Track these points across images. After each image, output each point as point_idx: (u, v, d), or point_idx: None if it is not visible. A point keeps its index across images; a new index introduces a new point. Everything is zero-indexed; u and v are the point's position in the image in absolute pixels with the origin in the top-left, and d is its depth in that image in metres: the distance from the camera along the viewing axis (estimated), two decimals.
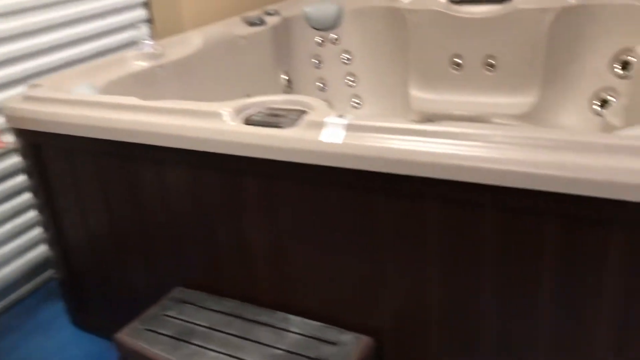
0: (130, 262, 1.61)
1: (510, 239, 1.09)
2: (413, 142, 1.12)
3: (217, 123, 1.31)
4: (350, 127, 1.19)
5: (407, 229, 1.19)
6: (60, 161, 1.59)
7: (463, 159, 1.07)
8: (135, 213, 1.52)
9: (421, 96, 2.56)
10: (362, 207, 1.22)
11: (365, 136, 1.17)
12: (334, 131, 1.19)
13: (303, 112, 1.29)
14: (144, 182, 1.47)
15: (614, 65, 2.20)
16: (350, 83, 2.71)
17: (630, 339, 1.06)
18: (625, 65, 2.13)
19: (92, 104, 1.49)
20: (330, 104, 2.67)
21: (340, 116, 1.22)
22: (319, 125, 1.22)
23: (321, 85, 2.69)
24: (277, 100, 1.38)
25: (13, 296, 2.01)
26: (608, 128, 1.74)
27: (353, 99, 2.72)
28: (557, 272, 1.08)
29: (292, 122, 1.26)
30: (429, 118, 2.47)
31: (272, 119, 1.29)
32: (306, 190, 1.27)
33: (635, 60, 1.63)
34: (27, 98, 1.60)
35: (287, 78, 2.54)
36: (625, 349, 1.07)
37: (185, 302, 1.46)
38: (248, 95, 2.33)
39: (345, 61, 2.69)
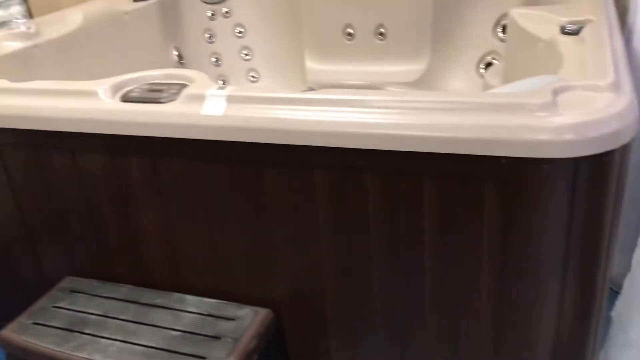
0: (15, 253, 1.52)
1: (392, 201, 1.12)
2: (294, 111, 1.12)
3: (93, 102, 1.25)
4: (231, 99, 1.17)
5: (296, 199, 1.19)
6: None
7: (341, 125, 1.07)
8: (14, 203, 1.44)
9: (316, 67, 2.56)
10: (249, 180, 1.21)
11: (246, 107, 1.15)
12: (214, 103, 1.17)
13: (184, 85, 1.25)
14: (20, 168, 1.39)
15: (497, 29, 2.29)
16: (246, 57, 2.67)
17: (508, 286, 1.12)
18: (505, 29, 2.23)
19: None
20: (226, 78, 2.62)
21: (222, 87, 1.19)
22: (200, 98, 1.19)
23: (215, 60, 2.63)
24: (157, 75, 1.33)
25: None
26: (488, 89, 1.81)
27: (250, 73, 2.68)
28: (439, 231, 1.12)
29: (172, 97, 1.22)
30: (324, 88, 2.48)
31: (152, 94, 1.25)
32: (192, 166, 1.24)
33: (509, 23, 1.71)
34: None
35: (178, 54, 2.46)
36: (505, 298, 1.13)
37: (76, 291, 1.40)
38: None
39: (239, 35, 2.65)
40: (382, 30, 2.44)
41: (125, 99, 1.25)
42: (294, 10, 2.54)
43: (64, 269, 1.48)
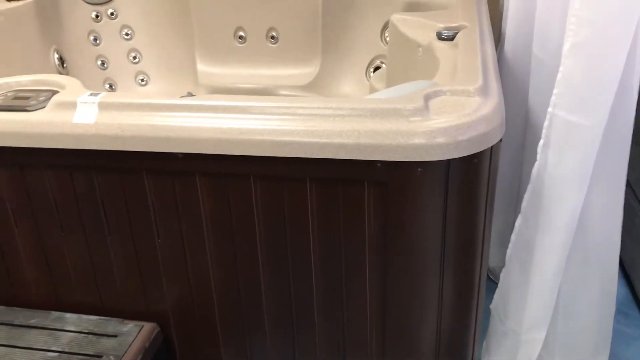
0: None
1: (276, 207, 1.11)
2: (172, 118, 1.08)
3: None
4: (103, 106, 1.11)
5: (179, 208, 1.16)
6: None
7: (221, 132, 1.05)
8: None
9: (208, 70, 2.51)
10: (128, 190, 1.16)
11: (120, 114, 1.10)
12: (85, 111, 1.11)
13: (54, 92, 1.18)
14: None
15: (384, 34, 2.35)
16: (134, 60, 2.57)
17: (390, 286, 1.14)
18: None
19: None
20: (114, 82, 2.52)
21: (93, 94, 1.13)
22: (71, 105, 1.12)
23: (101, 63, 2.52)
24: (23, 81, 1.25)
25: None
26: (374, 92, 1.86)
27: (139, 77, 2.58)
28: (324, 235, 1.12)
29: (40, 104, 1.14)
30: (217, 92, 2.44)
31: (18, 102, 1.17)
32: (65, 177, 1.17)
33: (389, 29, 1.76)
34: None
35: (59, 57, 2.33)
36: (387, 297, 1.15)
37: None
38: None
39: (126, 37, 2.55)
40: (274, 33, 2.44)
41: None
42: (184, 12, 2.48)
43: None
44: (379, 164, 1.02)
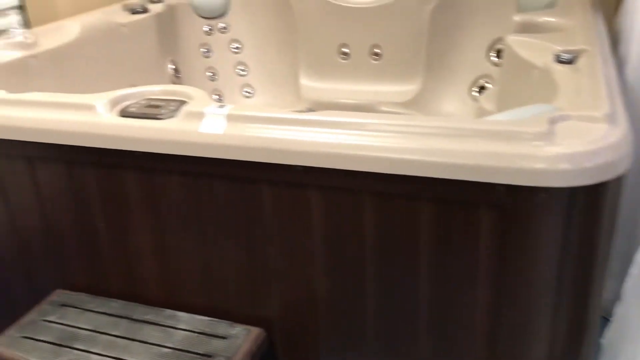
0: (3, 267, 1.51)
1: (389, 224, 1.13)
2: (293, 132, 1.13)
3: (91, 115, 1.25)
4: (230, 117, 1.17)
5: (292, 218, 1.19)
6: None
7: (340, 147, 1.08)
8: (6, 214, 1.43)
9: (311, 85, 2.57)
10: (245, 198, 1.21)
11: (246, 126, 1.16)
12: (214, 121, 1.17)
13: (182, 102, 1.26)
14: (14, 180, 1.38)
15: (490, 53, 2.32)
16: (241, 72, 2.68)
17: (502, 311, 1.13)
18: (499, 53, 2.26)
19: None
20: (221, 93, 2.63)
21: (221, 106, 1.20)
22: (199, 115, 1.19)
23: (211, 74, 2.64)
24: (155, 90, 1.33)
25: None
26: (482, 113, 1.84)
27: (245, 89, 2.69)
28: (434, 254, 1.12)
29: (170, 113, 1.22)
30: (319, 107, 2.49)
31: (150, 110, 1.25)
32: (188, 183, 1.24)
33: (504, 49, 1.73)
34: None
35: (174, 68, 2.47)
36: (498, 322, 1.14)
37: (66, 305, 1.39)
38: (134, 86, 2.24)
39: (235, 50, 2.66)
40: (377, 50, 2.47)
41: (124, 113, 1.25)
42: (291, 27, 2.56)
43: (54, 282, 1.46)
44: (498, 187, 1.01)
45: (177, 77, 2.48)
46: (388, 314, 1.22)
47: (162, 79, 2.40)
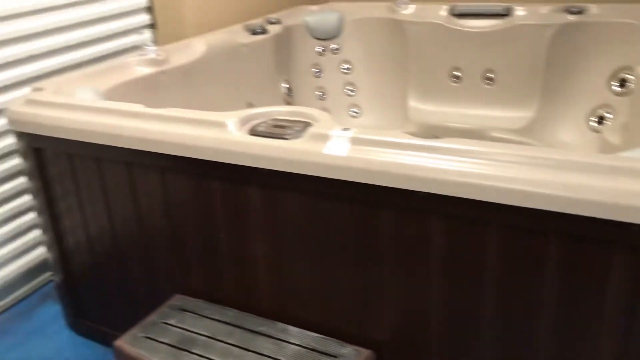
0: (129, 267, 1.61)
1: (513, 257, 1.10)
2: (418, 158, 1.13)
3: (222, 133, 1.32)
4: (354, 140, 1.20)
5: (410, 243, 1.20)
6: (61, 165, 1.59)
7: (468, 176, 1.08)
8: (136, 219, 1.53)
9: (419, 107, 2.57)
10: (364, 220, 1.23)
11: (369, 150, 1.18)
12: (338, 144, 1.20)
13: (308, 124, 1.30)
14: (146, 188, 1.48)
15: (612, 82, 2.22)
16: (350, 93, 2.72)
17: (631, 355, 1.07)
18: (622, 82, 2.16)
19: (96, 110, 1.49)
20: (329, 112, 2.68)
21: (345, 129, 1.23)
22: (324, 137, 1.23)
23: (320, 94, 2.70)
24: (282, 111, 1.38)
25: (10, 298, 2.00)
26: (605, 145, 1.76)
27: (352, 109, 2.73)
28: (558, 292, 1.09)
29: (296, 134, 1.27)
30: (428, 129, 2.48)
31: (277, 130, 1.30)
32: (309, 201, 1.27)
33: (634, 79, 1.65)
34: (30, 101, 1.60)
35: (287, 86, 2.55)
36: None
37: (184, 310, 1.46)
38: (249, 104, 2.34)
39: (345, 71, 2.71)
40: (491, 75, 2.43)
41: (253, 132, 1.31)
42: (402, 50, 2.58)
43: (174, 287, 1.55)
44: (634, 227, 0.97)
45: (289, 95, 2.57)
46: (502, 348, 1.19)
47: (275, 97, 2.48)
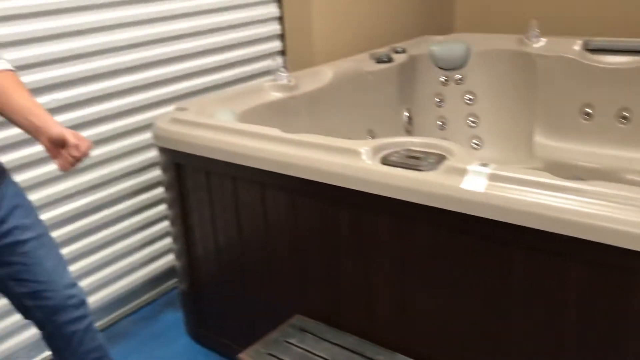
0: (253, 283, 1.67)
1: None
2: (563, 200, 1.10)
3: (355, 160, 1.35)
4: (493, 177, 1.18)
5: (544, 287, 1.15)
6: (198, 180, 1.69)
7: (617, 222, 1.03)
8: (263, 236, 1.58)
9: (546, 143, 2.48)
10: (494, 257, 1.20)
11: (508, 187, 1.16)
12: (476, 179, 1.19)
13: (443, 156, 1.30)
14: (275, 209, 1.53)
15: None
16: (471, 124, 2.68)
17: None
18: None
19: (235, 131, 1.57)
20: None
21: (483, 164, 1.21)
22: (461, 171, 1.22)
23: (441, 124, 2.68)
24: (416, 142, 1.39)
25: (135, 303, 2.13)
26: None
27: (473, 140, 2.68)
28: None
29: (431, 166, 1.26)
30: (555, 167, 2.39)
31: (411, 160, 1.31)
32: (439, 235, 1.26)
33: None
34: (174, 120, 1.72)
35: (408, 115, 2.56)
36: None
37: (305, 330, 1.49)
38: (371, 131, 2.37)
39: (468, 101, 2.67)
40: (626, 113, 2.31)
41: (385, 161, 1.32)
42: (530, 83, 2.51)
43: (295, 307, 1.58)
44: None
45: (409, 124, 2.57)
46: None
47: (397, 126, 2.50)
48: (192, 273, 1.84)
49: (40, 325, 1.34)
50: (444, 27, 3.01)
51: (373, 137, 2.37)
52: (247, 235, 1.63)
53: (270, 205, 1.54)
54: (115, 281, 2.04)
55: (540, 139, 2.50)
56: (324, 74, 2.21)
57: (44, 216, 1.70)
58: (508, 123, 2.61)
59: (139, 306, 2.15)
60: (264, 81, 2.07)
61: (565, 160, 2.40)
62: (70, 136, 1.18)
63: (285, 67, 2.28)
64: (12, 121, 1.20)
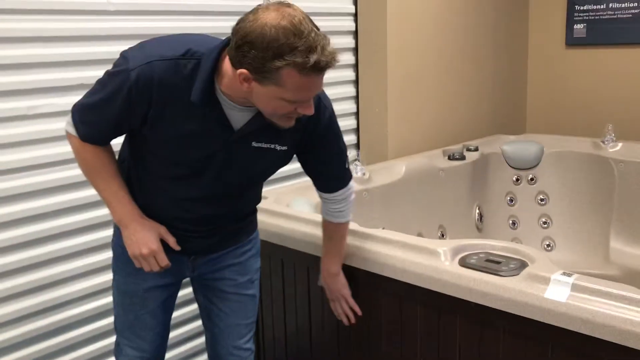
0: None
1: None
2: None
3: (434, 260, 1.36)
4: (576, 287, 1.16)
5: None
6: (272, 266, 1.72)
7: None
8: (336, 327, 1.58)
9: (623, 249, 2.41)
10: None
11: (589, 299, 1.14)
12: (558, 289, 1.17)
13: (524, 262, 1.29)
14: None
15: None
16: (543, 225, 2.64)
17: None
18: None
19: (311, 222, 1.62)
20: (520, 243, 2.61)
21: (567, 273, 1.20)
22: (542, 279, 1.21)
23: (512, 222, 2.66)
24: (496, 245, 1.39)
25: None
26: None
27: (545, 241, 2.64)
28: None
29: (512, 272, 1.26)
30: (630, 274, 2.30)
31: (491, 264, 1.30)
32: (519, 343, 1.24)
33: None
34: (262, 210, 1.77)
35: (479, 212, 2.55)
36: None
37: None
38: (441, 226, 2.37)
39: (540, 202, 2.65)
40: None
41: (464, 264, 1.33)
42: (605, 186, 2.48)
43: None
44: None
45: (480, 221, 2.56)
46: None
47: (467, 223, 2.49)
48: (259, 357, 1.85)
49: None
50: (516, 127, 3.04)
51: (444, 233, 2.37)
52: (317, 323, 1.64)
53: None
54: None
55: (617, 245, 2.43)
56: (397, 169, 2.26)
57: None
58: (582, 226, 2.56)
59: None
60: None
61: None
62: None
63: (359, 159, 2.35)
64: None
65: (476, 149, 2.57)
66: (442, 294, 1.32)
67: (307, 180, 2.10)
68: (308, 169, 1.37)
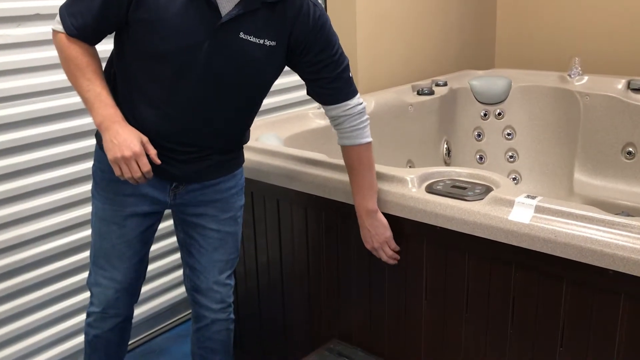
0: (291, 304, 1.69)
1: None
2: (607, 234, 1.10)
3: (401, 188, 1.37)
4: (540, 209, 1.19)
5: (593, 323, 1.15)
6: (246, 198, 1.72)
7: None
8: (304, 258, 1.60)
9: (587, 181, 2.47)
10: (543, 293, 1.20)
11: (555, 220, 1.16)
12: (522, 211, 1.20)
13: (489, 187, 1.31)
14: (317, 231, 1.55)
15: None
16: (510, 159, 2.68)
17: None
18: None
19: (281, 155, 1.61)
20: None
21: (530, 196, 1.22)
22: (507, 202, 1.23)
23: (479, 157, 2.69)
24: (462, 172, 1.41)
25: (170, 321, 2.16)
26: None
27: (511, 175, 2.68)
28: None
29: (477, 196, 1.28)
30: (595, 205, 2.37)
31: (456, 190, 1.32)
32: (482, 265, 1.27)
33: None
34: None
35: (447, 148, 2.57)
36: None
37: (342, 355, 1.50)
38: (410, 161, 2.39)
39: (507, 137, 2.68)
40: None
41: (431, 190, 1.34)
42: (571, 120, 2.51)
43: (332, 331, 1.59)
44: None
45: (448, 156, 2.58)
46: None
47: (435, 158, 2.51)
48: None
49: None
50: (485, 62, 3.04)
51: (412, 167, 2.39)
52: (287, 255, 1.66)
53: (311, 227, 1.56)
54: (152, 299, 2.07)
55: (581, 177, 2.49)
56: (367, 104, 2.24)
57: None
58: (548, 159, 2.61)
59: (174, 324, 2.17)
60: (308, 109, 2.11)
61: (606, 198, 2.38)
62: None
63: None
64: None
65: (445, 84, 2.56)
66: (409, 219, 1.34)
67: (276, 115, 2.08)
68: (307, 74, 1.32)
